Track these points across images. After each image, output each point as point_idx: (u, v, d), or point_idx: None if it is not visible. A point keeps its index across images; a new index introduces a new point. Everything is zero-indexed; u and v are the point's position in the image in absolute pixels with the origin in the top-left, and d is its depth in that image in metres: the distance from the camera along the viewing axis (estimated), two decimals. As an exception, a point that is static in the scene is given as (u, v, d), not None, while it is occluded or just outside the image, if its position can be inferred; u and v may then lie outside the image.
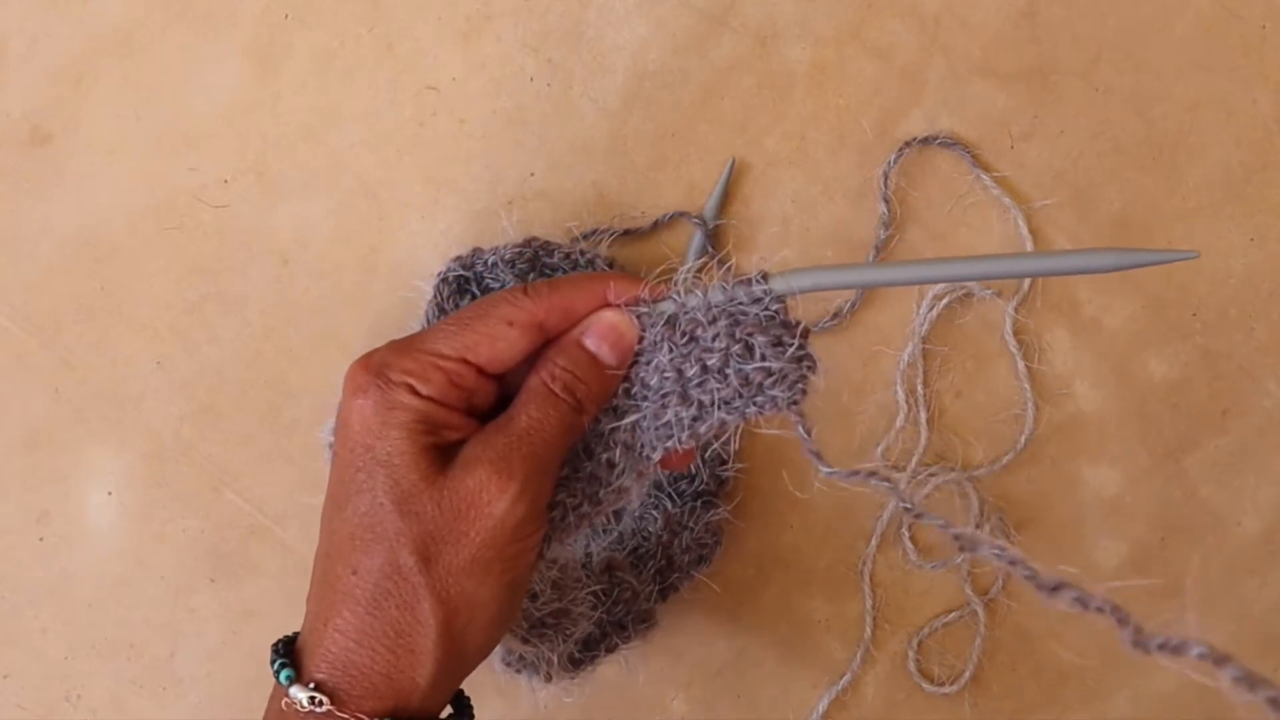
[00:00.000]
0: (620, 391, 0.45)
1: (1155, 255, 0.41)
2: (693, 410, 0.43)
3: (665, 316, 0.44)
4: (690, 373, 0.43)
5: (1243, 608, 0.61)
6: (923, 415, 0.60)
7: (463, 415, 0.43)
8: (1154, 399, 0.60)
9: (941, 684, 0.60)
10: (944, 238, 0.59)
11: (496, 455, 0.41)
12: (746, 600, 0.61)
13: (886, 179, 0.59)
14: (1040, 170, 0.59)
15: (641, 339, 0.45)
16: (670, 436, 0.44)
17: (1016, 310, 0.59)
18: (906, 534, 0.60)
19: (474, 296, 0.55)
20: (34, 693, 0.60)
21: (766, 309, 0.43)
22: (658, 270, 0.46)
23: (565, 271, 0.56)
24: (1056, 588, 0.38)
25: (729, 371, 0.43)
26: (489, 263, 0.55)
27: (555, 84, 0.59)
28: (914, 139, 0.59)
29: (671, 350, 0.44)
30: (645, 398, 0.45)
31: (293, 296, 0.60)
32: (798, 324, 0.43)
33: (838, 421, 0.60)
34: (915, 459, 0.60)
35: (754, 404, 0.43)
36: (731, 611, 0.61)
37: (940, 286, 0.59)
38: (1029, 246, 0.59)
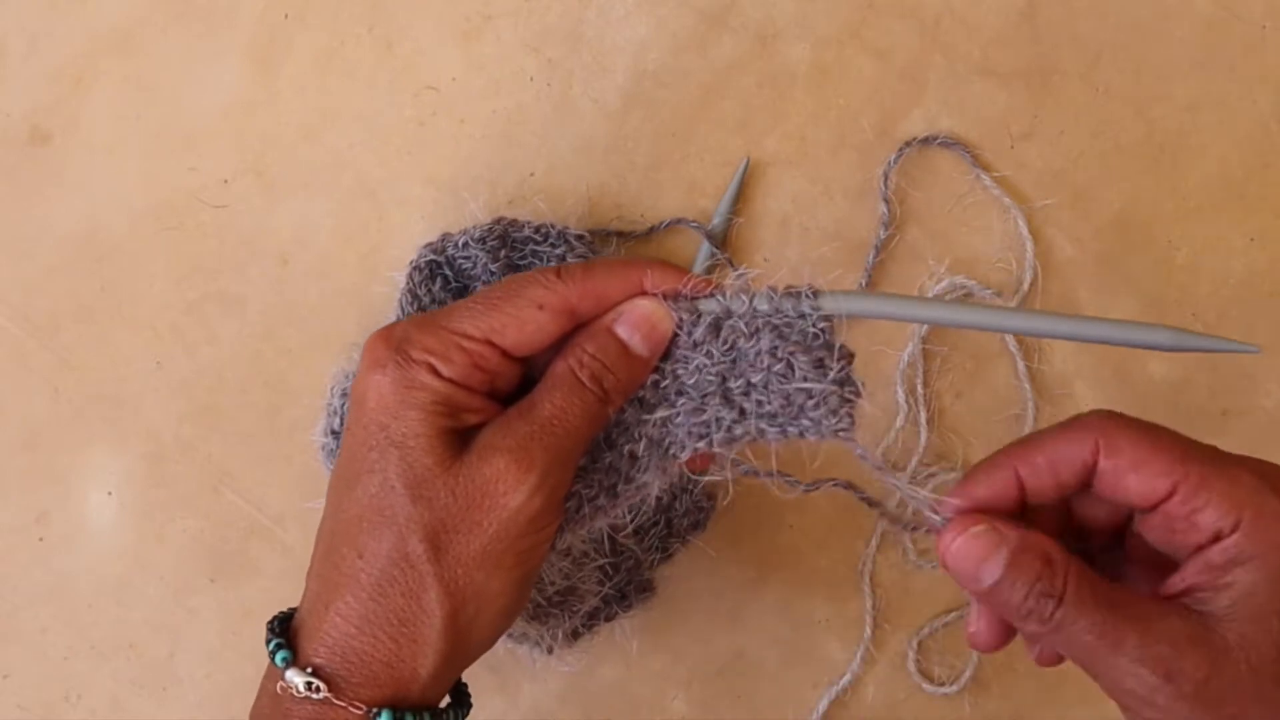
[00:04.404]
0: (649, 384, 0.43)
1: (1213, 343, 0.40)
2: (734, 414, 0.42)
3: (710, 318, 0.43)
4: (735, 384, 0.42)
5: (1243, 608, 0.61)
6: (923, 415, 0.60)
7: (483, 398, 0.41)
8: (1154, 399, 0.60)
9: (942, 684, 0.60)
10: (944, 238, 0.60)
11: (516, 444, 0.40)
12: (746, 600, 0.61)
13: (886, 179, 0.59)
14: (1040, 170, 0.59)
15: (677, 334, 0.43)
16: (705, 437, 0.42)
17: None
18: (908, 535, 0.60)
19: (446, 280, 0.55)
20: (34, 693, 0.60)
21: (812, 326, 0.42)
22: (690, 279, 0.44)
23: (536, 245, 0.55)
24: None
25: (772, 387, 0.42)
26: (459, 243, 0.54)
27: (555, 84, 0.59)
28: (914, 139, 0.59)
29: (712, 355, 0.42)
30: (681, 394, 0.43)
31: (293, 296, 0.60)
32: (841, 347, 0.42)
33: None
34: (915, 459, 0.60)
35: (796, 425, 0.42)
36: (731, 611, 0.61)
37: (940, 286, 0.59)
38: (1029, 247, 0.59)
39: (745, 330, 0.42)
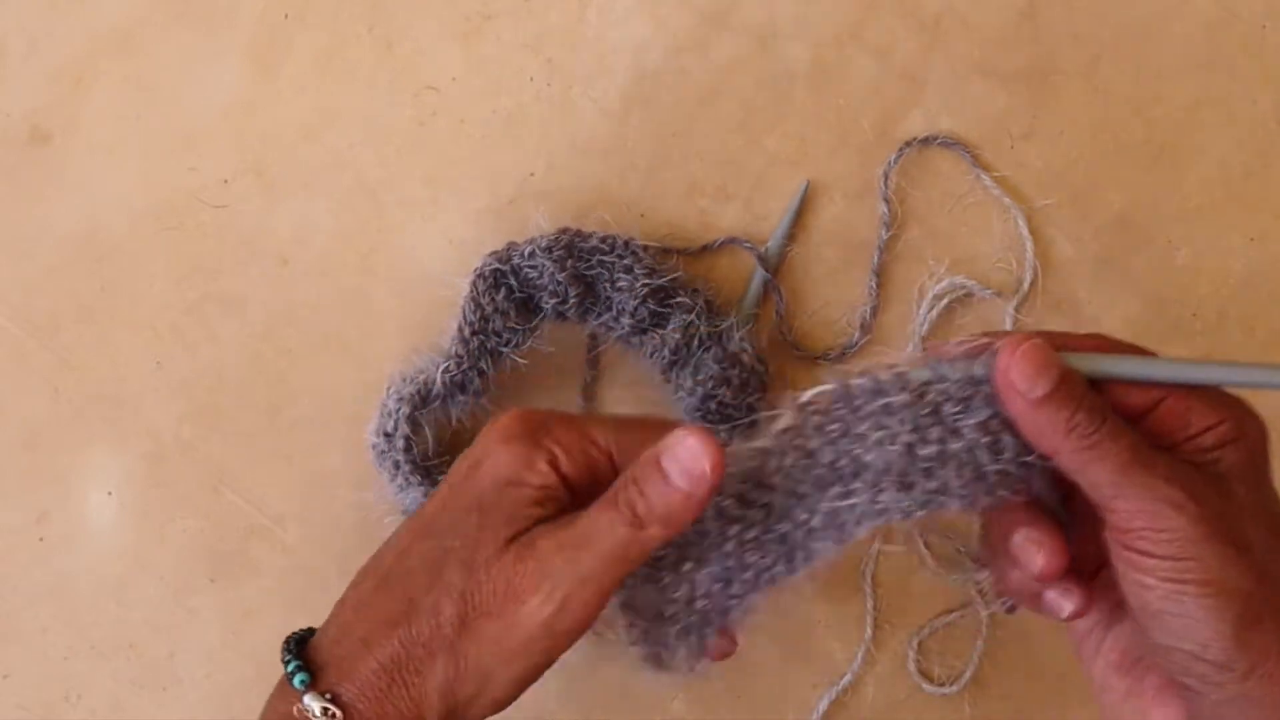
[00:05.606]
0: (825, 462, 0.42)
1: None
2: (909, 497, 0.41)
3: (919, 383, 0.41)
4: (924, 451, 0.41)
5: (1243, 608, 0.61)
6: (923, 415, 0.59)
7: (571, 497, 0.43)
8: (1154, 399, 0.60)
9: (942, 684, 0.60)
10: (944, 237, 0.60)
11: (546, 550, 0.41)
12: (746, 600, 0.61)
13: (886, 179, 0.59)
14: (1040, 170, 0.59)
15: (860, 405, 0.41)
16: (883, 515, 0.42)
17: (1017, 310, 0.59)
18: (922, 541, 0.60)
19: (510, 290, 0.55)
20: (34, 693, 0.60)
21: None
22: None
23: (603, 255, 0.55)
24: None
25: (964, 462, 0.40)
26: (526, 253, 0.54)
27: (555, 84, 0.59)
28: (914, 139, 0.59)
29: (905, 423, 0.41)
30: (857, 474, 0.42)
31: (293, 296, 0.60)
32: None
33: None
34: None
35: (987, 497, 0.41)
36: (731, 611, 0.61)
37: (941, 286, 0.59)
38: (1029, 247, 0.59)
39: (956, 395, 0.40)
